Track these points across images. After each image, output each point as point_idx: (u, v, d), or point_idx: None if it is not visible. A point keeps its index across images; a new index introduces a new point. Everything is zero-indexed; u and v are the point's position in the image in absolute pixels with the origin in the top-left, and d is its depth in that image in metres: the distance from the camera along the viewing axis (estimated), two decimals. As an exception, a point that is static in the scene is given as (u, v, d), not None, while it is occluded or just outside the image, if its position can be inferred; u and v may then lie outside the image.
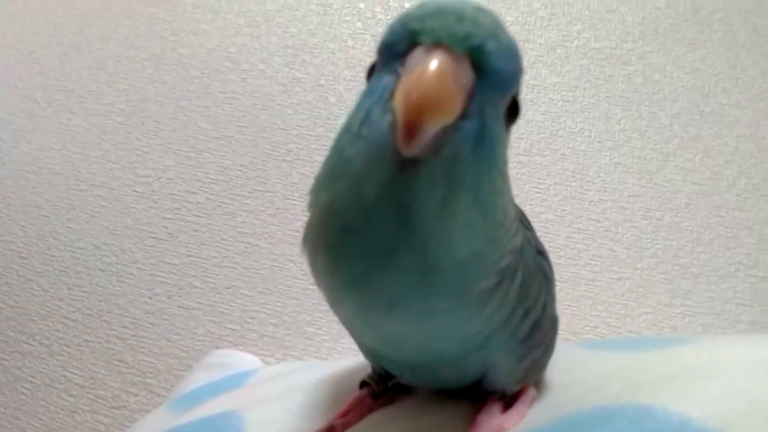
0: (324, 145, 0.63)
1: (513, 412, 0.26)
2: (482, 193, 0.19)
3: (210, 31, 0.72)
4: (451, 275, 0.20)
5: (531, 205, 0.62)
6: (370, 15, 0.71)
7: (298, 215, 0.62)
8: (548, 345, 0.28)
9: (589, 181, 0.63)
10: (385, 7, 0.71)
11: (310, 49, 0.70)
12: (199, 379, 0.48)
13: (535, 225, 0.29)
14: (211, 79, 0.69)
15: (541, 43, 0.70)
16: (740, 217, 0.62)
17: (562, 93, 0.67)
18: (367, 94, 0.20)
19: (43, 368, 0.58)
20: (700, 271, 0.59)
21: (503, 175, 0.21)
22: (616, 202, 0.62)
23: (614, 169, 0.64)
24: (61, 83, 0.71)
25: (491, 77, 0.18)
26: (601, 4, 0.71)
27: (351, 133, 0.19)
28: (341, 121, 0.21)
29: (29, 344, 0.59)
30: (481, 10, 0.19)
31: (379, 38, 0.20)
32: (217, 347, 0.57)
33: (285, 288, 0.59)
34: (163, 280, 0.60)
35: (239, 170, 0.65)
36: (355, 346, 0.30)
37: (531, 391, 0.28)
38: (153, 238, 0.62)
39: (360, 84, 0.22)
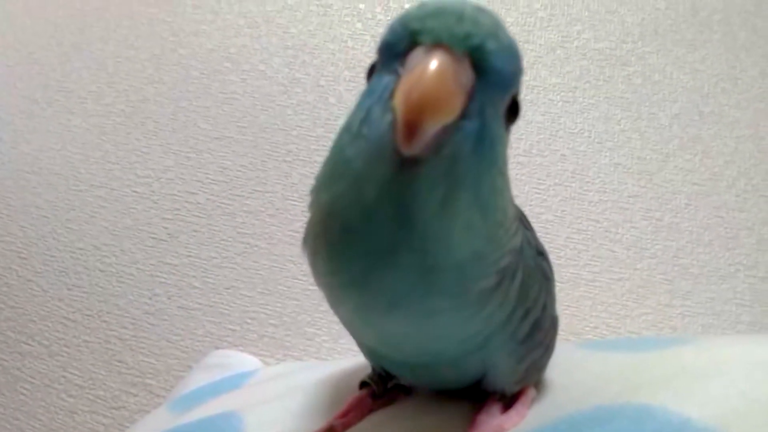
0: (324, 146, 0.63)
1: (513, 412, 0.26)
2: (482, 192, 0.19)
3: (210, 32, 0.72)
4: (451, 275, 0.20)
5: (531, 205, 0.62)
6: (370, 16, 0.71)
7: (297, 216, 0.62)
8: (548, 345, 0.28)
9: (588, 182, 0.63)
10: (385, 7, 0.71)
11: (310, 50, 0.70)
12: (198, 379, 0.48)
13: (535, 226, 0.29)
14: (211, 80, 0.69)
15: (540, 44, 0.70)
16: (740, 217, 0.62)
17: (562, 94, 0.67)
18: (367, 94, 0.20)
19: (43, 369, 0.58)
20: (700, 271, 0.59)
21: (503, 174, 0.21)
22: (616, 202, 0.62)
23: (614, 169, 0.64)
24: (61, 84, 0.71)
25: (491, 77, 0.18)
26: (601, 5, 0.71)
27: (351, 132, 0.19)
28: (341, 122, 0.21)
29: (29, 345, 0.59)
30: (481, 10, 0.19)
31: (379, 39, 0.20)
32: (217, 348, 0.57)
33: (285, 288, 0.59)
34: (162, 280, 0.60)
35: (239, 171, 0.65)
36: (354, 347, 0.30)
37: (531, 392, 0.28)
38: (153, 238, 0.62)
39: (360, 85, 0.22)
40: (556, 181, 0.63)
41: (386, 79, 0.19)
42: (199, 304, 0.59)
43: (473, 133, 0.18)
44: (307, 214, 0.22)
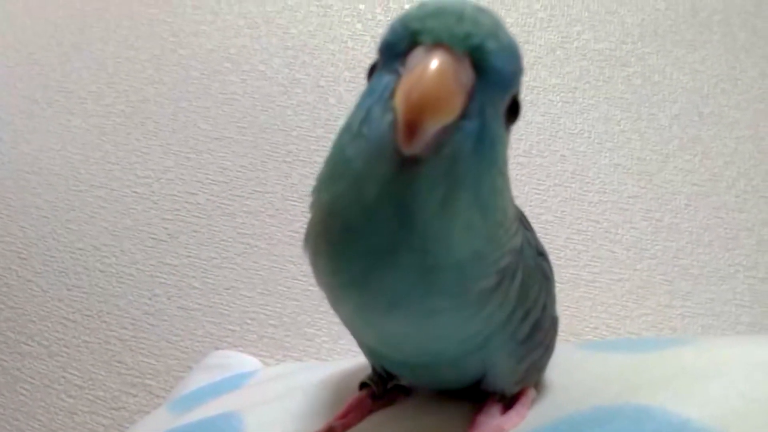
0: (324, 146, 0.63)
1: (512, 413, 0.26)
2: (482, 192, 0.19)
3: (210, 32, 0.72)
4: (451, 275, 0.20)
5: (531, 206, 0.62)
6: (370, 16, 0.71)
7: (297, 216, 0.62)
8: (548, 346, 0.28)
9: (588, 183, 0.63)
10: (385, 8, 0.71)
11: (310, 51, 0.70)
12: (198, 380, 0.48)
13: (535, 226, 0.29)
14: (211, 80, 0.69)
15: (540, 45, 0.70)
16: (740, 218, 0.62)
17: (562, 94, 0.67)
18: (367, 94, 0.20)
19: (43, 369, 0.58)
20: (700, 272, 0.59)
21: (503, 174, 0.21)
22: (616, 203, 0.62)
23: (614, 170, 0.64)
24: (61, 84, 0.71)
25: (491, 77, 0.18)
26: (601, 6, 0.71)
27: (351, 132, 0.19)
28: (341, 122, 0.21)
29: (28, 345, 0.59)
30: (481, 10, 0.19)
31: (379, 39, 0.20)
32: (217, 348, 0.57)
33: (285, 289, 0.59)
34: (162, 281, 0.60)
35: (239, 171, 0.65)
36: (354, 348, 0.30)
37: (531, 393, 0.28)
38: (153, 238, 0.62)
39: (360, 85, 0.22)
40: (556, 181, 0.63)
41: (386, 78, 0.19)
42: (199, 304, 0.59)
43: (473, 132, 0.18)
44: (308, 215, 0.22)
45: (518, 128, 0.24)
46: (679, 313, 0.58)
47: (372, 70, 0.21)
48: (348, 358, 0.45)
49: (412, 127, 0.16)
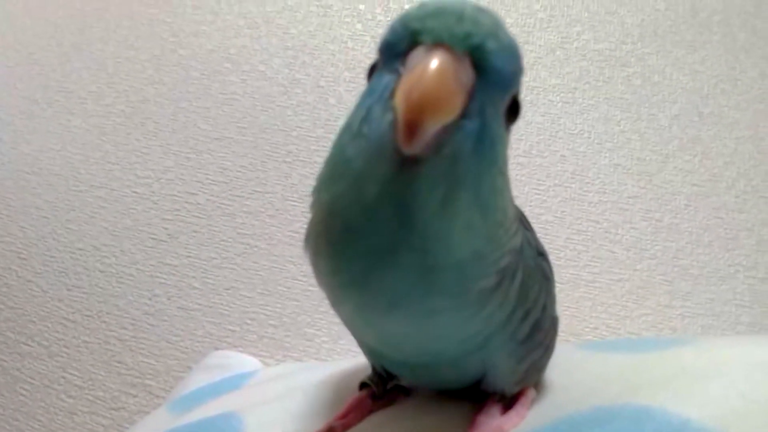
0: (324, 147, 0.63)
1: (512, 413, 0.26)
2: (482, 192, 0.19)
3: (210, 33, 0.72)
4: (451, 274, 0.20)
5: (530, 206, 0.62)
6: (370, 17, 0.71)
7: (297, 216, 0.62)
8: (548, 346, 0.28)
9: (588, 183, 0.63)
10: (385, 8, 0.71)
11: (310, 51, 0.70)
12: (198, 380, 0.48)
13: (535, 226, 0.29)
14: (211, 81, 0.69)
15: (540, 45, 0.70)
16: (739, 218, 0.62)
17: (562, 94, 0.67)
18: (367, 93, 0.20)
19: (42, 369, 0.58)
20: (700, 272, 0.59)
21: (503, 174, 0.21)
22: (616, 203, 0.62)
23: (614, 170, 0.64)
24: (61, 84, 0.71)
25: (491, 76, 0.18)
26: (601, 6, 0.71)
27: (351, 131, 0.19)
28: (341, 122, 0.21)
29: (28, 345, 0.59)
30: (481, 9, 0.19)
31: (379, 39, 0.20)
32: (217, 348, 0.57)
33: (284, 289, 0.59)
34: (162, 281, 0.60)
35: (239, 171, 0.65)
36: (354, 348, 0.30)
37: (531, 393, 0.28)
38: (153, 239, 0.62)
39: (360, 85, 0.22)
40: (556, 181, 0.63)
41: (387, 78, 0.19)
42: (199, 304, 0.59)
43: (473, 132, 0.18)
44: (308, 215, 0.22)
45: (518, 128, 0.24)
46: (679, 313, 0.58)
47: (372, 70, 0.21)
48: (348, 359, 0.45)
49: (412, 127, 0.16)
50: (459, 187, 0.18)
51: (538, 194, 0.63)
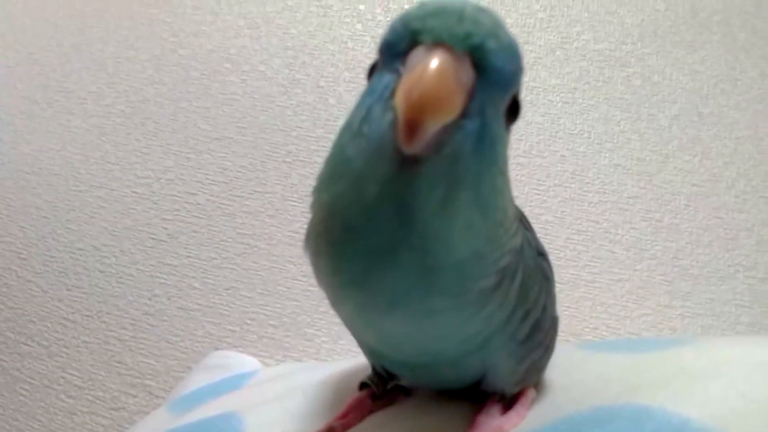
0: (324, 147, 0.63)
1: (512, 413, 0.26)
2: (482, 192, 0.19)
3: (210, 33, 0.72)
4: (451, 274, 0.20)
5: (530, 206, 0.62)
6: (370, 17, 0.71)
7: (297, 216, 0.62)
8: (548, 346, 0.28)
9: (588, 183, 0.63)
10: (385, 8, 0.71)
11: (310, 51, 0.70)
12: (198, 380, 0.48)
13: (535, 226, 0.29)
14: (211, 81, 0.69)
15: (540, 45, 0.70)
16: (739, 218, 0.62)
17: (562, 95, 0.67)
18: (368, 93, 0.20)
19: (42, 369, 0.58)
20: (700, 272, 0.59)
21: (503, 174, 0.21)
22: (616, 203, 0.62)
23: (613, 170, 0.64)
24: (61, 84, 0.71)
25: (492, 76, 0.18)
26: (601, 6, 0.71)
27: (352, 131, 0.19)
28: (341, 122, 0.21)
29: (28, 345, 0.59)
30: (481, 9, 0.19)
31: (379, 39, 0.20)
32: (217, 348, 0.57)
33: (284, 289, 0.59)
34: (162, 281, 0.60)
35: (239, 171, 0.65)
36: (354, 348, 0.30)
37: (530, 393, 0.28)
38: (152, 239, 0.62)
39: (360, 86, 0.22)
40: (556, 182, 0.63)
41: (387, 78, 0.19)
42: (199, 305, 0.59)
43: (474, 132, 0.18)
44: (308, 215, 0.22)
45: (518, 129, 0.24)
46: (679, 313, 0.58)
47: (372, 70, 0.21)
48: (348, 359, 0.45)
49: (412, 126, 0.16)
50: (459, 187, 0.18)
51: (538, 194, 0.63)
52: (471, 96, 0.18)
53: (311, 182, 0.22)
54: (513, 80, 0.20)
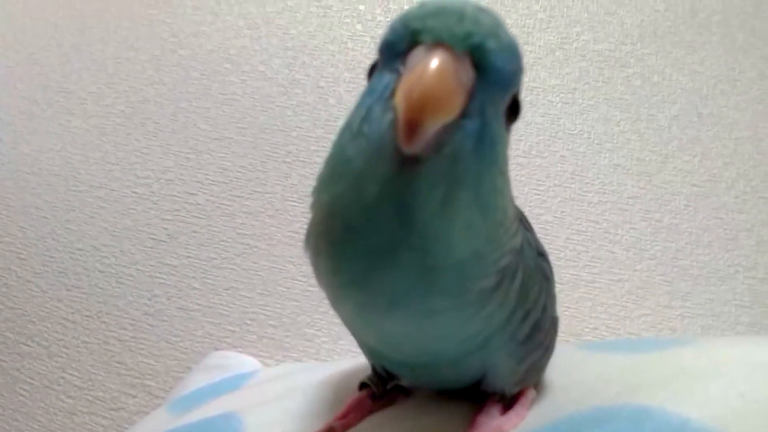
0: (324, 147, 0.63)
1: (512, 413, 0.26)
2: (483, 191, 0.19)
3: (210, 33, 0.72)
4: (451, 274, 0.20)
5: (530, 206, 0.62)
6: (370, 17, 0.71)
7: (297, 217, 0.62)
8: (548, 346, 0.28)
9: (588, 183, 0.63)
10: (385, 9, 0.72)
11: (310, 51, 0.70)
12: (198, 380, 0.48)
13: (535, 227, 0.29)
14: (210, 81, 0.69)
15: (540, 46, 0.70)
16: (739, 219, 0.62)
17: (561, 95, 0.68)
18: (368, 93, 0.20)
19: (42, 370, 0.58)
20: (699, 272, 0.59)
21: (503, 174, 0.21)
22: (616, 203, 0.62)
23: (613, 170, 0.64)
24: (61, 84, 0.71)
25: (492, 76, 0.18)
26: (600, 7, 0.71)
27: (352, 131, 0.19)
28: (341, 123, 0.21)
29: (28, 345, 0.59)
30: (481, 9, 0.19)
31: (379, 40, 0.20)
32: (217, 349, 0.57)
33: (284, 289, 0.59)
34: (162, 281, 0.60)
35: (239, 172, 0.65)
36: (354, 348, 0.30)
37: (530, 393, 0.28)
38: (152, 239, 0.62)
39: (360, 86, 0.22)
40: (556, 182, 0.63)
41: (387, 77, 0.19)
42: (199, 305, 0.59)
43: (474, 132, 0.18)
44: (308, 215, 0.22)
45: (518, 129, 0.24)
46: (679, 313, 0.58)
47: (372, 70, 0.21)
48: (348, 359, 0.45)
49: (412, 126, 0.16)
50: (459, 187, 0.18)
51: (538, 195, 0.63)
52: (471, 96, 0.18)
53: (311, 182, 0.22)
54: (513, 80, 0.20)
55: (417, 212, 0.18)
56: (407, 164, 0.18)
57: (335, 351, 0.56)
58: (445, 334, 0.22)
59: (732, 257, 0.60)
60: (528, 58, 0.69)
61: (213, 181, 0.64)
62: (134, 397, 0.56)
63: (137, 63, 0.71)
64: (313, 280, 0.23)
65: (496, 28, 0.19)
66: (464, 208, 0.19)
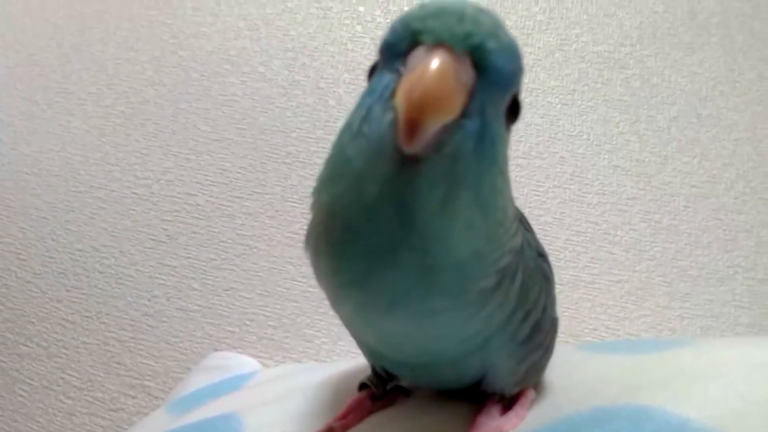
0: (324, 148, 0.63)
1: (512, 414, 0.26)
2: (483, 191, 0.19)
3: (210, 34, 0.72)
4: (451, 274, 0.20)
5: (530, 207, 0.62)
6: (369, 18, 0.71)
7: (297, 217, 0.62)
8: (548, 347, 0.28)
9: (587, 184, 0.63)
10: (385, 10, 0.72)
11: (310, 52, 0.70)
12: (197, 381, 0.48)
13: (535, 228, 0.29)
14: (210, 82, 0.69)
15: (539, 47, 0.70)
16: (738, 219, 0.62)
17: (561, 96, 0.68)
18: (368, 93, 0.20)
19: (42, 370, 0.58)
20: (699, 273, 0.59)
21: (503, 174, 0.21)
22: (615, 204, 0.62)
23: (613, 172, 0.64)
24: (61, 85, 0.71)
25: (492, 76, 0.18)
26: (600, 8, 0.71)
27: (352, 131, 0.19)
28: (341, 124, 0.21)
29: (27, 346, 0.59)
30: (481, 10, 0.19)
31: (379, 41, 0.20)
32: (216, 349, 0.57)
33: (284, 290, 0.59)
34: (162, 282, 0.60)
35: (239, 172, 0.65)
36: (354, 349, 0.30)
37: (530, 394, 0.28)
38: (152, 240, 0.62)
39: (360, 87, 0.22)
40: (555, 183, 0.63)
41: (387, 78, 0.19)
42: (198, 305, 0.59)
43: (474, 132, 0.18)
44: (308, 216, 0.22)
45: (517, 130, 0.24)
46: (678, 314, 0.58)
47: (372, 71, 0.21)
48: (347, 360, 0.45)
49: (412, 126, 0.16)
50: (459, 187, 0.18)
51: (538, 196, 0.63)
52: (471, 96, 0.18)
53: (311, 183, 0.22)
54: (513, 80, 0.20)
55: (417, 212, 0.18)
56: (407, 164, 0.18)
57: (335, 352, 0.56)
58: (445, 334, 0.22)
59: (731, 258, 0.60)
60: (527, 60, 0.69)
61: (213, 182, 0.64)
62: (134, 397, 0.56)
63: (137, 64, 0.71)
64: (313, 281, 0.23)
65: (496, 28, 0.19)
66: (464, 207, 0.19)
